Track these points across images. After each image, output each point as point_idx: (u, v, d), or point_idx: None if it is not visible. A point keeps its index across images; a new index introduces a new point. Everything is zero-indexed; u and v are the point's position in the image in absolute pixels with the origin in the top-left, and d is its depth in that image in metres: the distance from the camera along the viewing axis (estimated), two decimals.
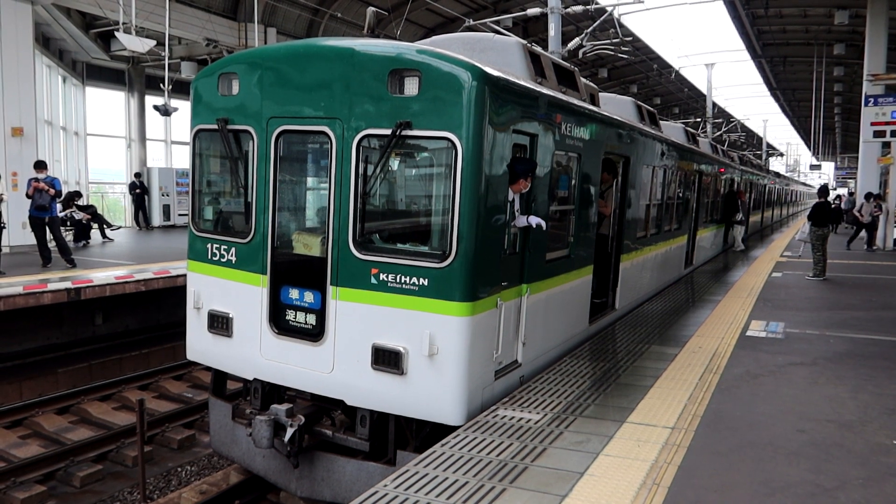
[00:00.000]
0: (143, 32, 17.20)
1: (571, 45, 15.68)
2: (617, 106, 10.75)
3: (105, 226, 18.48)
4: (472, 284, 5.30)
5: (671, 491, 4.20)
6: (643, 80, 39.79)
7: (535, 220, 6.10)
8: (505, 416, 5.45)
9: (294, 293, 5.95)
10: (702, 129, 36.15)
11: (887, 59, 22.37)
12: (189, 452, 8.55)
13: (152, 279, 12.07)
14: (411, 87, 5.28)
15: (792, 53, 33.04)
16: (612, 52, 20.01)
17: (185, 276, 7.04)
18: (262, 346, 6.13)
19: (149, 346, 12.40)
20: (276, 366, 6.07)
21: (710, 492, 4.24)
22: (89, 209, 18.27)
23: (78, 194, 18.45)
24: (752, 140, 62.15)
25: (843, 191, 53.06)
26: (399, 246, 5.83)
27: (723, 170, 18.53)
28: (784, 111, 53.87)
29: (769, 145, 59.85)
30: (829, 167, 72.95)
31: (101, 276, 11.94)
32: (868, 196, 21.38)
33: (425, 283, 5.30)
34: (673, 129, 14.58)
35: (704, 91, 38.13)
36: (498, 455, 4.68)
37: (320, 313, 5.78)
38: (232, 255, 6.32)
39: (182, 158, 26.24)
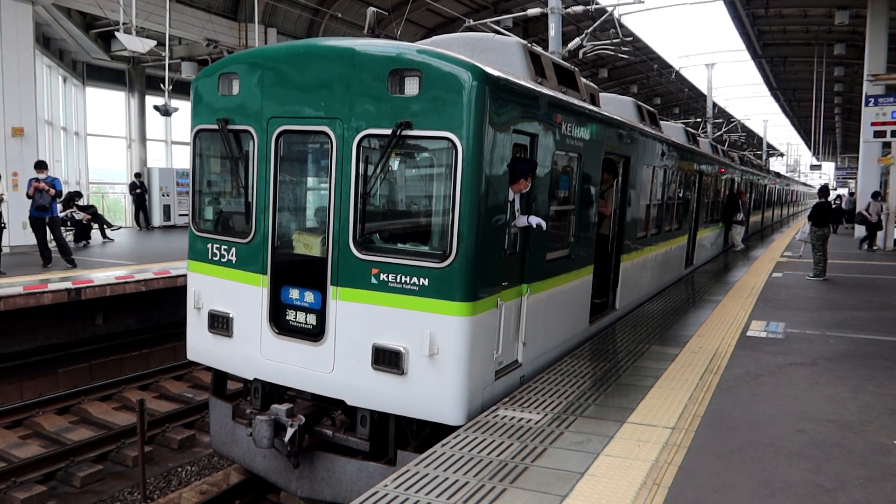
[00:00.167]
0: (144, 33, 17.23)
1: (572, 45, 15.67)
2: (617, 106, 10.75)
3: (105, 226, 18.47)
4: (473, 284, 5.30)
5: (671, 491, 4.20)
6: (643, 81, 39.81)
7: (535, 220, 6.10)
8: (505, 417, 5.44)
9: (294, 293, 5.95)
10: (702, 129, 36.13)
11: (887, 59, 22.40)
12: (189, 452, 8.55)
13: (152, 279, 12.08)
14: (412, 87, 5.28)
15: (792, 53, 33.06)
16: (613, 53, 20.02)
17: (185, 276, 7.04)
18: (263, 346, 6.12)
19: (149, 346, 12.40)
20: (276, 366, 6.06)
21: (710, 492, 4.24)
22: (90, 209, 18.27)
23: (78, 194, 18.45)
24: (753, 140, 62.13)
25: (843, 191, 53.04)
26: (399, 246, 5.83)
27: (723, 170, 18.52)
28: (784, 111, 53.88)
29: (769, 145, 59.86)
30: (829, 167, 72.96)
31: (102, 276, 11.94)
32: (875, 195, 21.33)
33: (426, 283, 5.30)
34: (673, 130, 14.58)
35: (705, 91, 38.11)
36: (498, 455, 4.68)
37: (320, 313, 5.78)
38: (232, 256, 6.32)
39: (182, 159, 26.26)
